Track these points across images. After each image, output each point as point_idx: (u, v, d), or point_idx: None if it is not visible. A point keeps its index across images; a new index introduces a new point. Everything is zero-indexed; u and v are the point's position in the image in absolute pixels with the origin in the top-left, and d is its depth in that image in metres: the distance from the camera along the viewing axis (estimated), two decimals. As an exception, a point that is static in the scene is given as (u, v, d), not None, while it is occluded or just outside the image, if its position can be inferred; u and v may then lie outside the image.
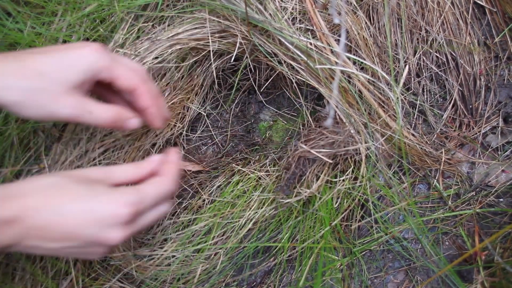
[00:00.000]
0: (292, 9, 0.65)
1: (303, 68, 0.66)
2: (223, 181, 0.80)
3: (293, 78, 0.68)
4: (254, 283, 0.76)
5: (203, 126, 0.85)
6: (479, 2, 0.75)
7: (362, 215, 0.77)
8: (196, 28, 0.68)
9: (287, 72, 0.67)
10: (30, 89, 0.40)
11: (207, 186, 0.81)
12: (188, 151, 0.83)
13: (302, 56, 0.62)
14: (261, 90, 0.82)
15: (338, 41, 0.63)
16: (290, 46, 0.62)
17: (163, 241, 0.75)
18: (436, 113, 0.79)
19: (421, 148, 0.72)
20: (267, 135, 0.85)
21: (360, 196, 0.73)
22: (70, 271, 0.67)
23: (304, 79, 0.66)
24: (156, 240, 0.74)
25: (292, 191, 0.70)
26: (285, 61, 0.66)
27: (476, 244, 0.74)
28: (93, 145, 0.64)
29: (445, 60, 0.77)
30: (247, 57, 0.70)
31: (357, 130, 0.66)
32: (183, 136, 0.82)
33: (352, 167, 0.72)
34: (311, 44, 0.61)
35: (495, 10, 0.76)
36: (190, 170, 0.82)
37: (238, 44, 0.67)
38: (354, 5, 0.69)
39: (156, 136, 0.73)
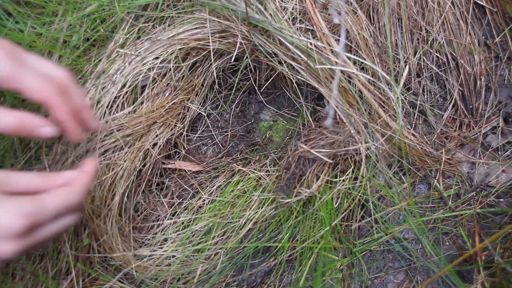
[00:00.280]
0: (292, 9, 0.65)
1: (303, 68, 0.66)
2: (223, 181, 0.80)
3: (293, 78, 0.68)
4: (254, 283, 0.76)
5: (203, 126, 0.85)
6: (479, 2, 0.75)
7: (362, 215, 0.77)
8: (196, 28, 0.68)
9: (287, 72, 0.67)
10: None
11: (207, 186, 0.81)
12: (189, 151, 0.83)
13: (302, 56, 0.62)
14: (261, 90, 0.82)
15: (338, 41, 0.63)
16: (290, 46, 0.62)
17: (163, 241, 0.75)
18: (437, 113, 0.79)
19: (422, 148, 0.72)
20: (267, 135, 0.85)
21: (360, 196, 0.73)
22: (71, 271, 0.67)
23: (304, 79, 0.66)
24: (156, 240, 0.74)
25: (292, 191, 0.70)
26: (285, 61, 0.66)
27: (476, 244, 0.74)
28: (94, 145, 0.64)
29: (445, 60, 0.77)
30: (247, 57, 0.70)
31: (357, 130, 0.66)
32: (184, 136, 0.82)
33: (352, 167, 0.72)
34: (311, 44, 0.61)
35: (495, 10, 0.76)
36: (190, 170, 0.82)
37: (238, 44, 0.67)
38: (354, 5, 0.69)
39: (156, 136, 0.73)
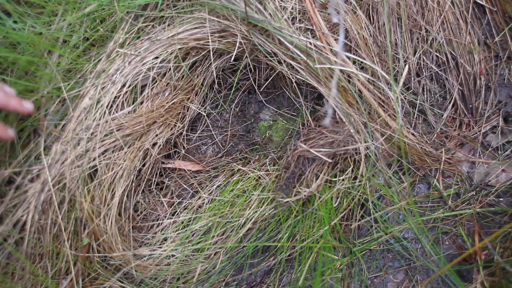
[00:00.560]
0: (292, 8, 0.65)
1: (302, 67, 0.66)
2: (223, 181, 0.80)
3: (293, 78, 0.68)
4: (254, 282, 0.76)
5: (203, 126, 0.85)
6: (479, 1, 0.75)
7: (362, 214, 0.77)
8: (196, 28, 0.68)
9: (286, 72, 0.67)
10: None
11: (207, 185, 0.81)
12: (188, 151, 0.83)
13: (302, 55, 0.62)
14: (261, 90, 0.82)
15: (338, 40, 0.63)
16: (289, 45, 0.62)
17: (163, 240, 0.75)
18: (436, 112, 0.79)
19: (421, 147, 0.72)
20: (267, 135, 0.85)
21: (360, 195, 0.73)
22: (70, 270, 0.67)
23: (303, 79, 0.66)
24: (155, 240, 0.74)
25: (292, 191, 0.70)
26: (284, 61, 0.66)
27: (476, 244, 0.74)
28: (93, 145, 0.64)
29: (445, 59, 0.76)
30: (247, 57, 0.70)
31: (356, 129, 0.66)
32: (183, 136, 0.82)
33: (352, 166, 0.72)
34: (310, 43, 0.61)
35: (495, 9, 0.75)
36: (190, 170, 0.82)
37: (238, 44, 0.67)
38: (354, 4, 0.69)
39: (156, 136, 0.73)
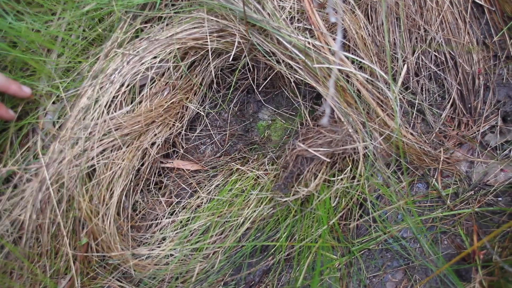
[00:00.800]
0: (290, 8, 0.65)
1: (301, 67, 0.66)
2: (222, 180, 0.80)
3: (291, 77, 0.68)
4: (253, 282, 0.76)
5: (202, 126, 0.85)
6: (478, 1, 0.75)
7: (360, 214, 0.77)
8: (194, 27, 0.68)
9: (285, 71, 0.67)
10: None
11: (205, 185, 0.81)
12: (187, 150, 0.83)
13: (300, 55, 0.62)
14: (260, 89, 0.82)
15: (336, 40, 0.63)
16: (288, 45, 0.62)
17: (162, 240, 0.75)
18: (435, 112, 0.79)
19: (420, 147, 0.72)
20: (265, 134, 0.85)
21: (358, 195, 0.73)
22: (69, 270, 0.67)
23: (302, 78, 0.66)
24: (154, 239, 0.74)
25: (290, 190, 0.70)
26: (283, 60, 0.66)
27: (475, 243, 0.74)
28: (92, 144, 0.64)
29: (443, 59, 0.77)
30: (245, 56, 0.70)
31: (355, 129, 0.66)
32: (182, 136, 0.82)
33: (350, 166, 0.72)
34: (309, 43, 0.61)
35: (494, 9, 0.75)
36: (189, 169, 0.82)
37: (236, 44, 0.67)
38: (352, 4, 0.69)
39: (155, 135, 0.73)
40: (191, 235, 0.74)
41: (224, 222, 0.74)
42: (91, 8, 0.64)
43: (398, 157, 0.74)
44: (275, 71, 0.72)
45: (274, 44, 0.65)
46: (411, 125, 0.78)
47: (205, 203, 0.78)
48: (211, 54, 0.70)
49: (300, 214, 0.73)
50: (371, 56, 0.70)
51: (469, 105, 0.78)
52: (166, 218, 0.77)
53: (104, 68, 0.66)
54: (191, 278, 0.71)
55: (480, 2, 0.75)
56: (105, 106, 0.65)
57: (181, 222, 0.76)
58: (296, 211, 0.73)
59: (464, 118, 0.79)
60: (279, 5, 0.65)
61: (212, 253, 0.73)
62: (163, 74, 0.72)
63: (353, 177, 0.73)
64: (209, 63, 0.74)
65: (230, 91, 0.83)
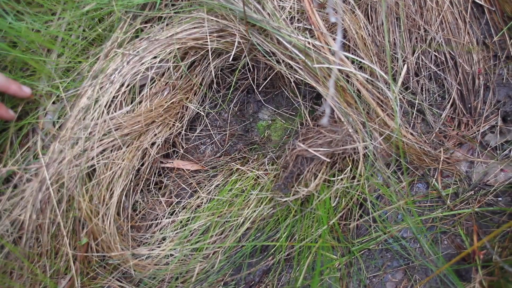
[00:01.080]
0: (290, 8, 0.65)
1: (301, 67, 0.66)
2: (222, 180, 0.80)
3: (291, 77, 0.68)
4: (253, 282, 0.76)
5: (202, 126, 0.85)
6: (478, 1, 0.75)
7: (360, 214, 0.77)
8: (194, 27, 0.68)
9: (285, 71, 0.67)
10: None
11: (205, 185, 0.81)
12: (187, 150, 0.83)
13: (300, 55, 0.62)
14: (260, 89, 0.82)
15: (336, 40, 0.63)
16: (288, 45, 0.62)
17: (162, 240, 0.75)
18: (435, 112, 0.79)
19: (420, 147, 0.72)
20: (265, 134, 0.85)
21: (358, 195, 0.73)
22: (69, 270, 0.67)
23: (302, 78, 0.66)
24: (154, 239, 0.74)
25: (290, 190, 0.70)
26: (283, 60, 0.66)
27: (475, 243, 0.74)
28: (92, 144, 0.64)
29: (443, 59, 0.77)
30: (245, 56, 0.70)
31: (355, 129, 0.66)
32: (182, 136, 0.82)
33: (350, 166, 0.72)
34: (309, 43, 0.61)
35: (494, 9, 0.75)
36: (189, 169, 0.82)
37: (236, 44, 0.67)
38: (352, 4, 0.69)
39: (155, 135, 0.73)
40: (191, 235, 0.74)
41: (224, 222, 0.74)
42: (91, 8, 0.64)
43: (398, 157, 0.74)
44: (275, 71, 0.72)
45: (274, 44, 0.65)
46: (411, 125, 0.78)
47: (205, 203, 0.78)
48: (211, 54, 0.70)
49: (300, 214, 0.73)
50: (371, 56, 0.70)
51: (469, 105, 0.78)
52: (166, 218, 0.77)
53: (104, 68, 0.66)
54: (191, 278, 0.71)
55: (480, 2, 0.75)
56: (105, 106, 0.65)
57: (181, 222, 0.76)
58: (296, 211, 0.73)
59: (464, 118, 0.79)
60: (279, 5, 0.65)
61: (212, 253, 0.73)
62: (163, 74, 0.72)
63: (353, 177, 0.73)
64: (209, 63, 0.74)
65: (230, 91, 0.83)
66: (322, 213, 0.71)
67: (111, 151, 0.68)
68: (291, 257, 0.76)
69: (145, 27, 0.69)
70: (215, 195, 0.78)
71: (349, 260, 0.77)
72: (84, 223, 0.67)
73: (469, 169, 0.80)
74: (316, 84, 0.66)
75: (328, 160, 0.68)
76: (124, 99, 0.68)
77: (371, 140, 0.67)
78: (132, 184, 0.73)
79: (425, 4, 0.73)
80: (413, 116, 0.78)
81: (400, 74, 0.69)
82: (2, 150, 0.66)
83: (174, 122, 0.75)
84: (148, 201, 0.79)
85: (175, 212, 0.78)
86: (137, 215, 0.77)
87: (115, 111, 0.67)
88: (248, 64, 0.75)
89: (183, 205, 0.79)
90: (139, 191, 0.77)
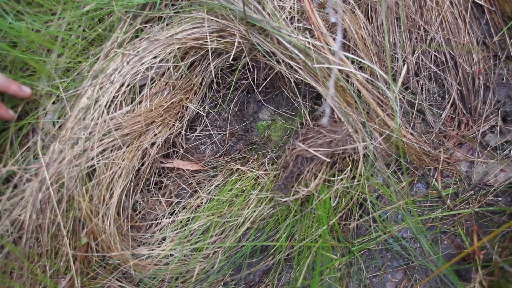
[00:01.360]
0: (290, 8, 0.65)
1: (301, 67, 0.66)
2: (222, 180, 0.80)
3: (291, 77, 0.68)
4: (253, 282, 0.76)
5: (202, 126, 0.85)
6: (478, 1, 0.75)
7: (360, 214, 0.77)
8: (194, 27, 0.68)
9: (285, 71, 0.67)
10: None
11: (205, 185, 0.81)
12: (187, 150, 0.83)
13: (300, 55, 0.62)
14: (260, 89, 0.82)
15: (336, 40, 0.63)
16: (288, 45, 0.62)
17: (162, 240, 0.75)
18: (435, 112, 0.79)
19: (420, 147, 0.72)
20: (265, 134, 0.85)
21: (358, 195, 0.73)
22: (69, 270, 0.67)
23: (302, 78, 0.66)
24: (154, 239, 0.74)
25: (290, 190, 0.70)
26: (283, 60, 0.66)
27: (475, 243, 0.74)
28: (92, 144, 0.64)
29: (443, 59, 0.77)
30: (245, 56, 0.70)
31: (355, 129, 0.66)
32: (182, 136, 0.82)
33: (350, 166, 0.72)
34: (309, 43, 0.61)
35: (494, 9, 0.75)
36: (189, 169, 0.82)
37: (236, 44, 0.67)
38: (352, 4, 0.69)
39: (155, 135, 0.73)
40: (191, 235, 0.74)
41: (224, 222, 0.74)
42: (91, 8, 0.64)
43: (398, 157, 0.74)
44: (275, 71, 0.72)
45: (274, 44, 0.65)
46: (411, 125, 0.78)
47: (205, 203, 0.78)
48: (211, 54, 0.70)
49: (300, 214, 0.73)
50: (371, 56, 0.70)
51: (469, 105, 0.78)
52: (166, 218, 0.77)
53: (104, 68, 0.66)
54: (191, 278, 0.71)
55: (480, 2, 0.75)
56: (105, 106, 0.65)
57: (181, 222, 0.76)
58: (296, 211, 0.73)
59: (464, 118, 0.79)
60: (279, 5, 0.65)
61: (212, 253, 0.73)
62: (163, 74, 0.72)
63: (353, 177, 0.73)
64: (209, 63, 0.74)
65: (230, 91, 0.83)
66: (322, 213, 0.71)
67: (111, 151, 0.68)
68: (291, 257, 0.76)
69: (145, 27, 0.69)
70: (215, 195, 0.78)
71: (349, 260, 0.77)
72: (84, 223, 0.67)
73: (469, 169, 0.80)
74: (316, 84, 0.66)
75: (328, 160, 0.68)
76: (124, 99, 0.68)
77: (371, 140, 0.67)
78: (132, 184, 0.73)
79: (425, 4, 0.73)
80: (413, 116, 0.78)
81: (400, 74, 0.69)
82: (2, 150, 0.66)
83: (174, 122, 0.75)
84: (148, 201, 0.79)
85: (175, 212, 0.78)
86: (137, 215, 0.77)
87: (115, 111, 0.67)
88: (248, 64, 0.75)
89: (183, 205, 0.79)
90: (139, 191, 0.77)
